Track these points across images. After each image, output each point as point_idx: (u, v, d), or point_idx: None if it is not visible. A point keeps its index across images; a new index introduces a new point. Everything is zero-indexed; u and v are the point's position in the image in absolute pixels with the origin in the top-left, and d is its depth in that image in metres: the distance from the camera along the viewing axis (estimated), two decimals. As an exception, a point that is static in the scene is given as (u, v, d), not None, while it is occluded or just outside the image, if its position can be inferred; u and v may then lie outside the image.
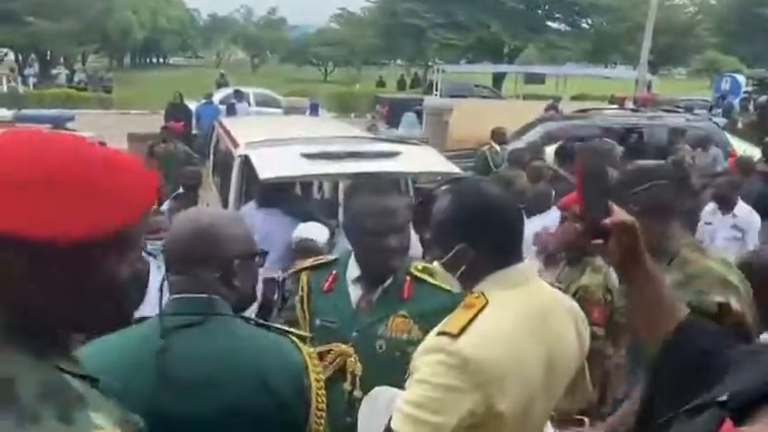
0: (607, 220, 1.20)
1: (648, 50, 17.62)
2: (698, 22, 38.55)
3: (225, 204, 5.36)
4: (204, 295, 1.44)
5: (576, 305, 1.68)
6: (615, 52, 32.39)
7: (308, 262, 2.21)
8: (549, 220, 4.35)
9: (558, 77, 21.31)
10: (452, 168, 5.03)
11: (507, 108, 16.11)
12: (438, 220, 1.56)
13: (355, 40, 39.46)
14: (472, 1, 30.03)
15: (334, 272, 2.10)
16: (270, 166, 4.56)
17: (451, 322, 1.43)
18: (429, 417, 1.34)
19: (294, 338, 1.53)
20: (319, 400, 1.50)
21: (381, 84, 33.03)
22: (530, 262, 1.60)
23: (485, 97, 21.85)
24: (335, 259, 2.18)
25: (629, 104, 13.26)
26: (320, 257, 2.28)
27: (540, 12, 33.10)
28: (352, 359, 1.97)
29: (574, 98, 19.61)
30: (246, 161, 4.87)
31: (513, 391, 1.41)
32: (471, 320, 1.41)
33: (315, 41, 46.58)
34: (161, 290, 1.44)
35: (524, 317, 1.47)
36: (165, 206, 5.47)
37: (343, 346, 1.98)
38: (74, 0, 28.96)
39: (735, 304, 1.86)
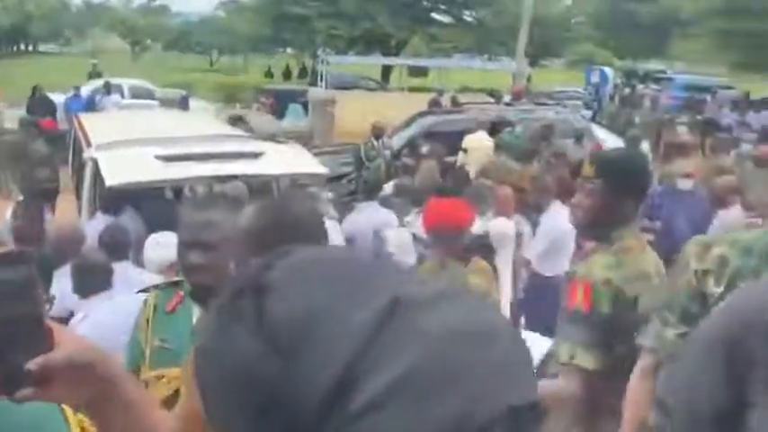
0: (35, 363, 0.70)
1: (525, 43, 18.22)
2: (572, 15, 40.51)
3: (80, 213, 4.98)
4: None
5: None
6: (497, 45, 33.25)
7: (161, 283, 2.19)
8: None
9: (441, 70, 21.66)
10: (319, 169, 4.89)
11: (393, 101, 16.21)
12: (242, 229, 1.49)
13: (241, 28, 38.38)
14: (358, -9, 29.89)
15: (181, 292, 2.02)
16: (119, 170, 4.25)
17: None
18: None
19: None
20: None
21: (269, 74, 32.31)
22: None
23: (371, 89, 21.91)
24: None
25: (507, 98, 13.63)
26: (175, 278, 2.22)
27: (424, 3, 33.45)
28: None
29: (458, 91, 19.99)
30: (97, 165, 4.53)
31: None
32: None
33: (199, 29, 44.97)
34: None
35: None
36: (7, 213, 4.97)
37: (177, 371, 1.84)
38: None
39: None
